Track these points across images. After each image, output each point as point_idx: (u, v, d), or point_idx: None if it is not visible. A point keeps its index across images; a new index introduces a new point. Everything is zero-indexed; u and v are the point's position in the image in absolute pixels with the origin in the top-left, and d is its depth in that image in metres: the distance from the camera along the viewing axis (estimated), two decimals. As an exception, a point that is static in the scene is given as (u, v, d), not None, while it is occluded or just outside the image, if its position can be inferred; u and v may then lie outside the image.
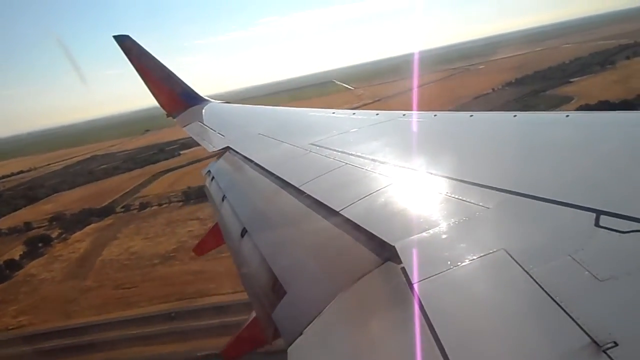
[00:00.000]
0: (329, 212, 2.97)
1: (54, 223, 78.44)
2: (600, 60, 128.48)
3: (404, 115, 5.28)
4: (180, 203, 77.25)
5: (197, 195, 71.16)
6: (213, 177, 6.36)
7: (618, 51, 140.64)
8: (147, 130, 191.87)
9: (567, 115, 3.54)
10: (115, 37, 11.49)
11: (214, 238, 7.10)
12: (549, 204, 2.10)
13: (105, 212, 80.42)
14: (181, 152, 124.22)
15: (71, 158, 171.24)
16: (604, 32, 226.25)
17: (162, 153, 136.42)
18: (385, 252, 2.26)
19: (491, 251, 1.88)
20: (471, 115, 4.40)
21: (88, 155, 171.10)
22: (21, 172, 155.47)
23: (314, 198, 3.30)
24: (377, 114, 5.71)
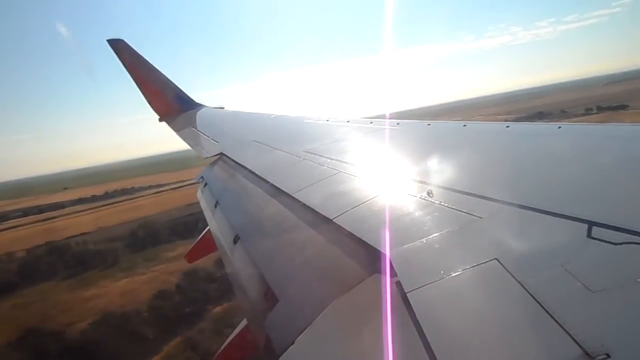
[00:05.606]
0: (323, 220, 2.96)
1: None
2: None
3: (398, 124, 5.31)
4: None
5: None
6: (206, 184, 6.33)
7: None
8: (65, 188, 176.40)
9: (560, 127, 3.58)
10: (109, 41, 11.44)
11: (206, 245, 7.05)
12: (541, 214, 2.11)
13: None
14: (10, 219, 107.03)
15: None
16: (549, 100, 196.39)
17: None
18: (378, 261, 2.25)
19: (484, 261, 1.88)
20: (464, 125, 4.43)
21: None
22: None
23: (307, 206, 3.30)
24: (371, 122, 5.74)
